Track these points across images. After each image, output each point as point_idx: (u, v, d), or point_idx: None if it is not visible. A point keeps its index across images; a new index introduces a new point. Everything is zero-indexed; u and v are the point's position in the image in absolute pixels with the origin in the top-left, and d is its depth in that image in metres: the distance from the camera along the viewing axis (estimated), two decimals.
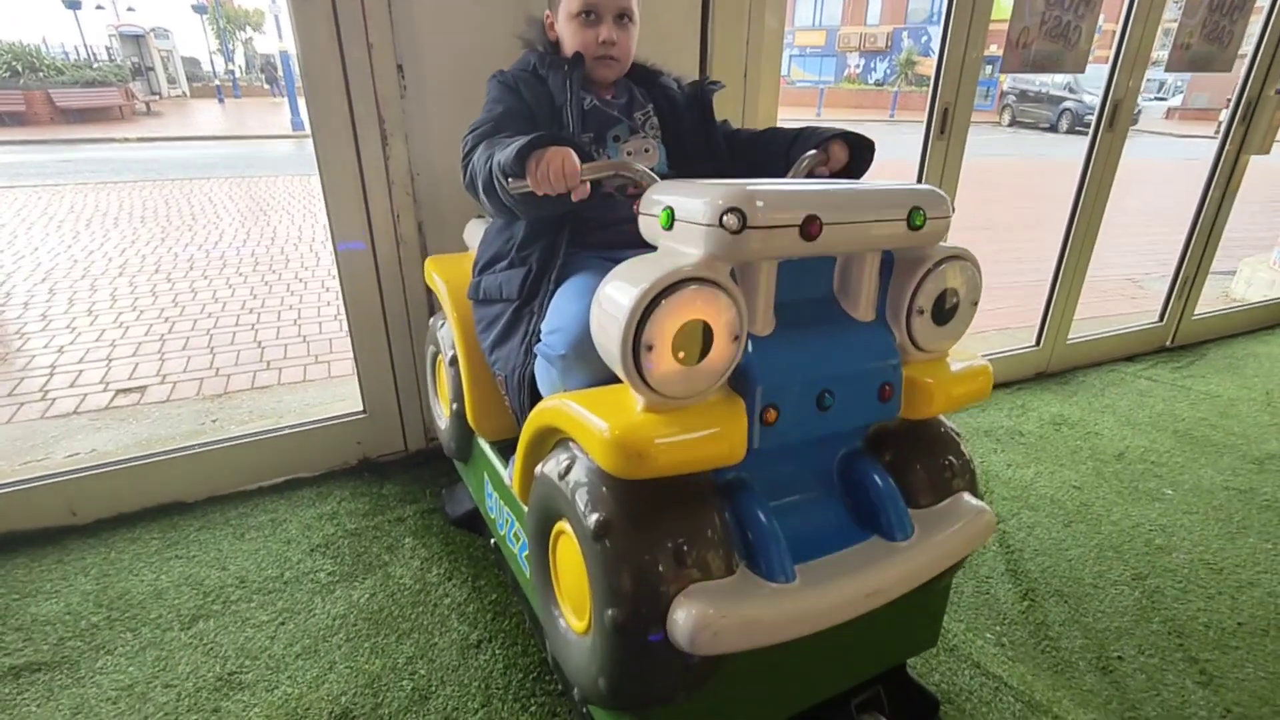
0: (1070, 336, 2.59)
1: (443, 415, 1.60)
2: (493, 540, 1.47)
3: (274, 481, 1.81)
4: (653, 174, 0.97)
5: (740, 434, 0.82)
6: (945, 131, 2.05)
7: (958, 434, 1.09)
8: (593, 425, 0.81)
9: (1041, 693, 1.26)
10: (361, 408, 1.87)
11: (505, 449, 1.36)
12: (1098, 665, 1.32)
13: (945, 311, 0.95)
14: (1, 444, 2.11)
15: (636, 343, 0.75)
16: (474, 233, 1.48)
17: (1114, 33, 2.19)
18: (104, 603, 1.40)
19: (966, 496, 1.02)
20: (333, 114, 1.58)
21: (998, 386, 2.46)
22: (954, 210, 0.91)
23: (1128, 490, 1.88)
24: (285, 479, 1.81)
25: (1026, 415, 2.27)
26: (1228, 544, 1.67)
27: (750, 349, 0.84)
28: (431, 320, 1.62)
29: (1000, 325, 3.26)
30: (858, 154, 1.15)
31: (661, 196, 0.85)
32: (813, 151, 1.13)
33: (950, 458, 1.03)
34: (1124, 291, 3.88)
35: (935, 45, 2.02)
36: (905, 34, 24.83)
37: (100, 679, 1.24)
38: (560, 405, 0.90)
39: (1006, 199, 6.94)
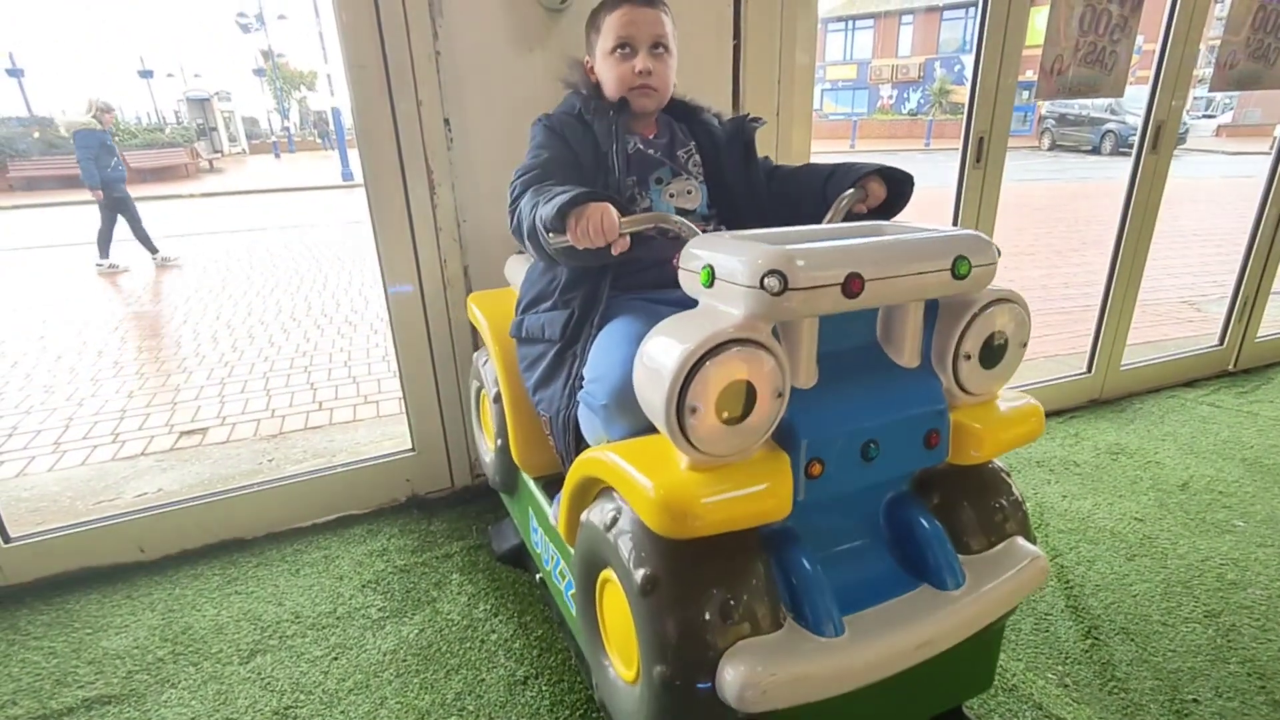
0: (1124, 362, 2.53)
1: (488, 449, 1.62)
2: (538, 575, 1.48)
3: (327, 519, 1.85)
4: (692, 226, 0.98)
5: (786, 489, 0.82)
6: (981, 160, 2.03)
7: (1007, 474, 1.07)
8: (639, 483, 0.82)
9: None
10: (410, 445, 1.90)
11: (549, 484, 1.38)
12: (1171, 708, 1.27)
13: (993, 354, 0.94)
14: (77, 484, 2.22)
15: (681, 405, 0.76)
16: (514, 268, 1.50)
17: (1154, 52, 2.13)
18: (169, 637, 1.46)
19: (1019, 541, 1.00)
20: (384, 165, 1.64)
21: (1049, 415, 2.40)
22: (1000, 254, 0.90)
23: (1194, 522, 1.82)
24: (337, 516, 1.86)
25: (1080, 444, 2.22)
26: None
27: (794, 403, 0.84)
28: (475, 355, 1.64)
29: (1050, 352, 3.18)
30: (896, 188, 1.14)
31: (702, 252, 0.86)
32: (850, 190, 1.12)
33: (1000, 500, 1.02)
34: (1180, 314, 3.75)
35: (968, 74, 1.99)
36: (938, 64, 24.68)
37: (165, 712, 1.29)
38: (605, 459, 0.90)
39: (1050, 223, 6.78)
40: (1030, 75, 2.04)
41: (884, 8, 26.09)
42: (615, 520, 0.91)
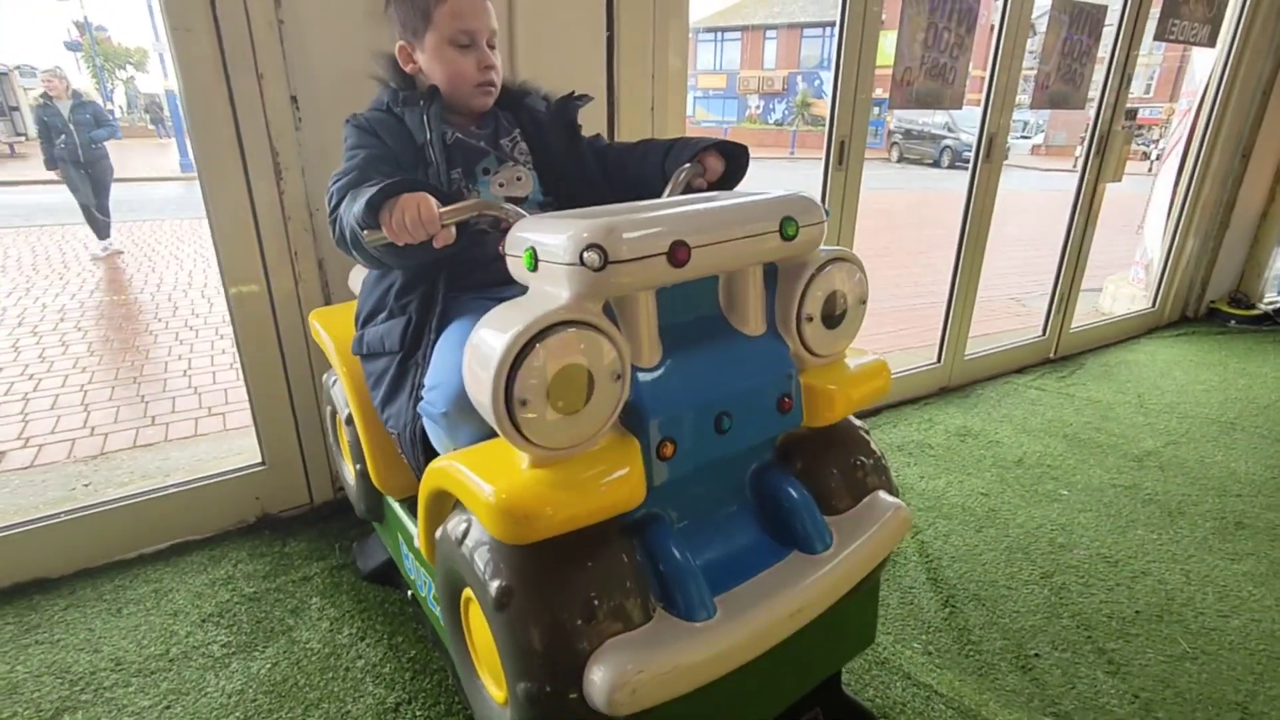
0: (967, 353, 2.72)
1: (349, 475, 1.52)
2: (409, 593, 1.41)
3: (157, 548, 1.68)
4: (519, 210, 0.92)
5: (637, 476, 0.79)
6: (843, 162, 2.14)
7: (866, 431, 1.08)
8: (477, 490, 0.76)
9: (969, 697, 1.29)
10: (260, 459, 1.77)
11: (414, 505, 1.29)
12: (1017, 664, 1.36)
13: (835, 315, 0.95)
14: None
15: (510, 398, 0.71)
16: (358, 279, 1.41)
17: (983, 78, 2.40)
18: None
19: (881, 495, 1.01)
20: (220, 147, 1.47)
21: (906, 403, 2.54)
22: (828, 214, 0.90)
23: (1029, 493, 1.95)
24: (170, 544, 1.69)
25: (933, 428, 2.34)
26: (1119, 537, 1.76)
27: (638, 383, 0.81)
28: (325, 377, 1.54)
29: (904, 345, 3.40)
30: (734, 161, 1.13)
31: (524, 234, 0.81)
32: (687, 165, 1.10)
33: (861, 457, 1.03)
34: (1009, 310, 4.11)
35: (828, 88, 2.12)
36: (800, 78, 26.11)
37: None
38: (447, 467, 0.85)
39: (900, 228, 7.25)
40: (881, 93, 2.20)
41: (750, 21, 27.16)
42: (466, 533, 0.85)
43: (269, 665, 1.34)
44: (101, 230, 5.55)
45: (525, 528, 0.72)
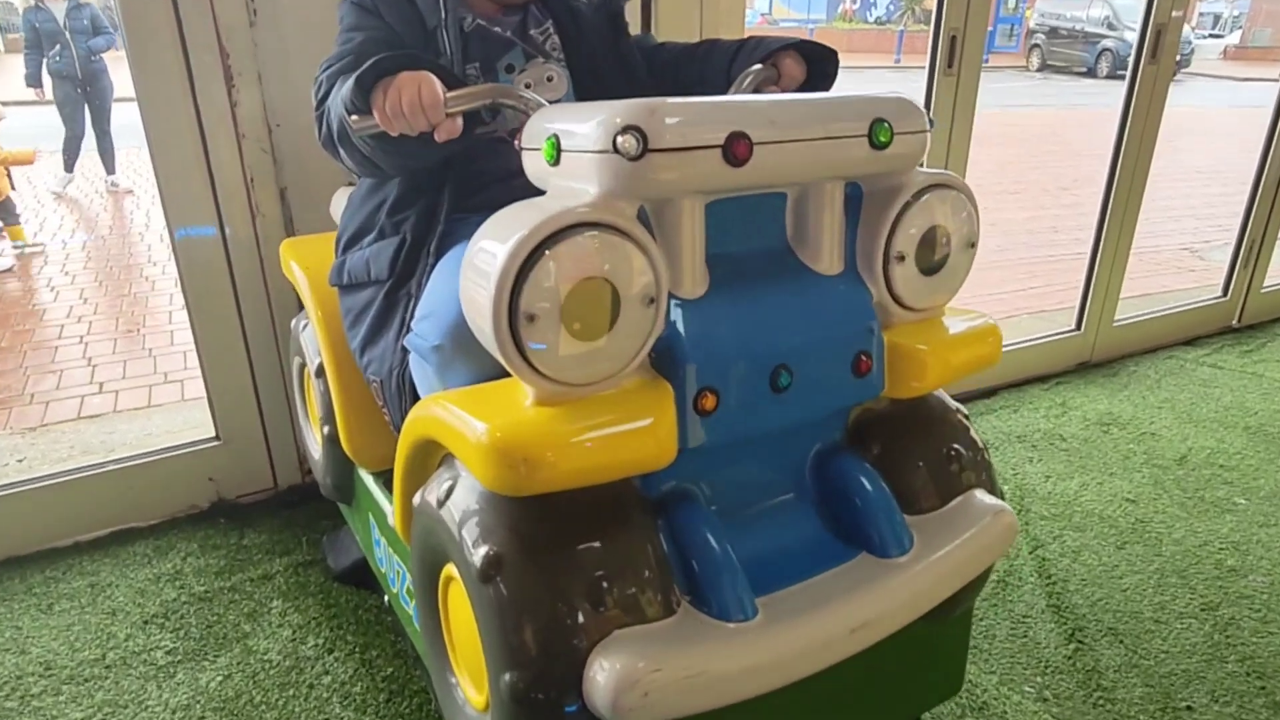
0: (1117, 318, 2.63)
1: (315, 443, 1.55)
2: (386, 598, 1.42)
3: (95, 535, 1.72)
4: (540, 99, 0.93)
5: (668, 428, 0.78)
6: (954, 64, 2.05)
7: (964, 414, 1.07)
8: (468, 430, 0.76)
9: None
10: (214, 434, 1.80)
11: (390, 481, 1.29)
12: (1163, 719, 1.31)
13: (933, 256, 0.93)
14: None
15: (514, 312, 0.71)
16: (342, 206, 1.44)
17: None
18: None
19: (979, 494, 1.00)
20: (158, 50, 1.50)
21: (1032, 381, 2.48)
22: (933, 123, 0.88)
23: (1192, 501, 1.89)
24: (111, 530, 1.73)
25: (1068, 415, 2.28)
26: None
27: (676, 316, 0.80)
28: (294, 321, 1.57)
29: (1034, 307, 3.29)
30: (817, 68, 1.12)
31: (546, 124, 0.81)
32: (758, 66, 1.09)
33: (956, 446, 1.01)
34: (1180, 263, 3.97)
35: None
36: None
37: None
38: (434, 411, 0.85)
39: (1037, 156, 7.06)
40: None
41: None
42: (450, 491, 0.86)
43: (220, 678, 1.36)
44: (109, 161, 5.65)
45: (523, 474, 0.71)
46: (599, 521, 0.81)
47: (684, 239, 0.80)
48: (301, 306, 1.71)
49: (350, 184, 1.55)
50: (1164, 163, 2.47)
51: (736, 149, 0.74)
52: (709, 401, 0.81)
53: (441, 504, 0.86)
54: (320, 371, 1.38)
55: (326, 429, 1.41)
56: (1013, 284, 3.66)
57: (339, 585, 1.58)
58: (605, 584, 0.78)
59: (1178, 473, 2.00)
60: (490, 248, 0.74)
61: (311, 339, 1.43)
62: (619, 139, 0.71)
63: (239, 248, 1.67)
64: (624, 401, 0.78)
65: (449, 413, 0.82)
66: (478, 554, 0.79)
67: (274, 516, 1.81)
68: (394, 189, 1.12)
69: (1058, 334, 2.59)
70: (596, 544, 0.80)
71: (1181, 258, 4.07)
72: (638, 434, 0.76)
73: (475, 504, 0.82)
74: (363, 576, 1.57)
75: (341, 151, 1.05)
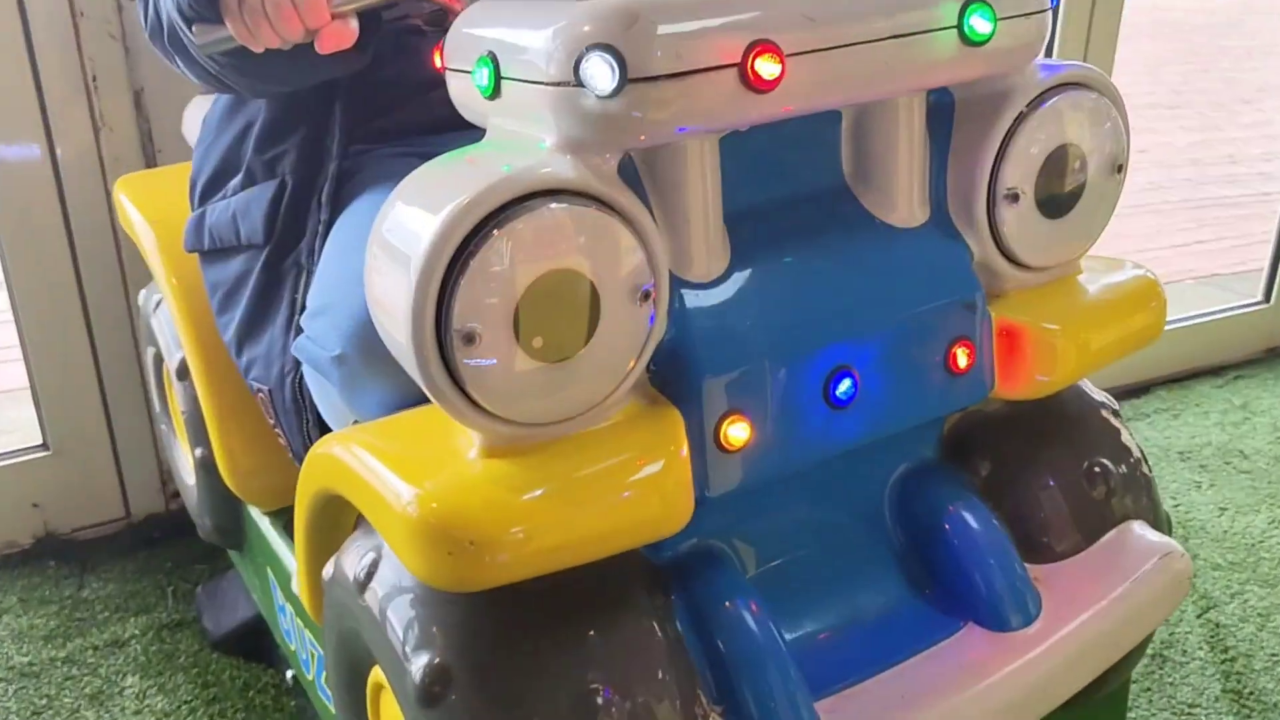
0: None
1: (186, 468, 1.57)
2: (290, 673, 1.45)
3: None
4: None
5: (679, 476, 0.78)
6: None
7: (1114, 410, 1.09)
8: (389, 495, 0.76)
9: None
10: (41, 442, 1.84)
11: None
12: None
13: (1063, 189, 0.93)
14: None
15: (443, 330, 0.70)
16: (198, 121, 1.43)
17: None
18: None
19: (1137, 529, 1.01)
20: None
21: (1199, 374, 2.48)
22: (1055, 1, 0.87)
23: None
24: None
25: (1251, 423, 2.29)
26: None
27: (684, 308, 0.80)
28: (143, 296, 1.58)
29: (1203, 270, 3.28)
30: None
31: (479, 30, 0.80)
32: None
33: (1103, 459, 1.03)
34: None
35: None
36: None
37: None
38: (339, 454, 0.86)
39: (1208, 57, 6.98)
40: None
41: None
42: (373, 569, 0.87)
43: None
44: None
45: (472, 564, 0.72)
46: (588, 609, 0.81)
47: (690, 197, 0.79)
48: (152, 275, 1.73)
49: (204, 91, 1.53)
50: None
51: (758, 66, 0.72)
52: (738, 432, 0.81)
53: (363, 586, 0.87)
54: (184, 371, 1.40)
55: (199, 452, 1.43)
56: (1171, 236, 3.66)
57: (220, 655, 1.60)
58: (602, 700, 0.78)
59: None
60: (408, 223, 0.73)
61: (169, 324, 1.44)
62: (583, 65, 0.69)
63: (76, 176, 1.69)
64: (612, 442, 0.78)
65: (359, 461, 0.82)
66: (417, 664, 0.79)
67: (126, 558, 1.82)
68: (260, 110, 1.13)
69: (1237, 309, 2.60)
70: (585, 642, 0.80)
71: None
72: (636, 489, 0.77)
73: (409, 590, 0.83)
74: (255, 644, 1.59)
75: (179, 61, 1.06)
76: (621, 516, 0.77)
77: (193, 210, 1.25)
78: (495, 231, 0.70)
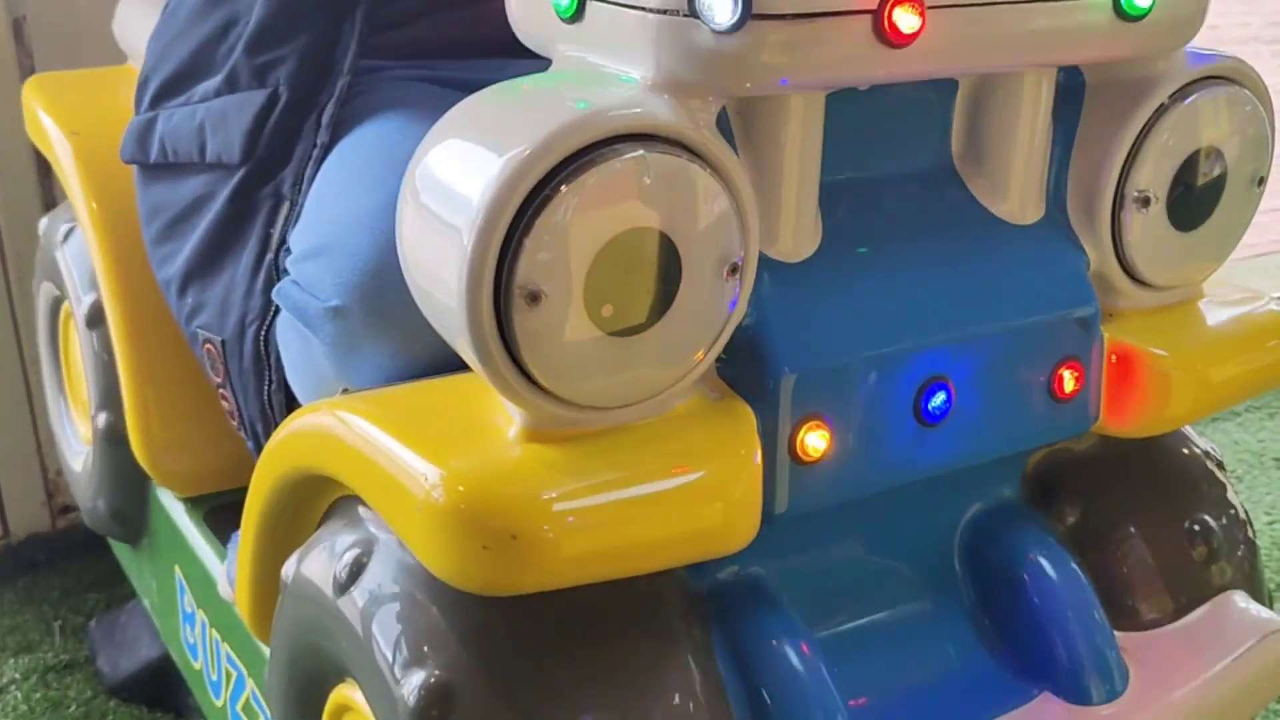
0: None
1: (78, 440, 1.56)
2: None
3: None
4: None
5: (748, 484, 0.80)
6: None
7: (1217, 463, 1.11)
8: (407, 474, 0.77)
9: None
10: None
11: (221, 516, 1.34)
12: None
13: (1197, 197, 0.96)
14: None
15: (501, 288, 0.72)
16: (138, 18, 1.45)
17: None
18: None
19: (1239, 600, 1.04)
20: None
21: None
22: None
23: None
24: None
25: None
26: None
27: (766, 291, 0.83)
28: (45, 223, 1.58)
29: None
30: None
31: None
32: None
33: (1205, 517, 1.06)
34: None
35: None
36: None
37: None
38: (333, 425, 0.87)
39: None
40: None
41: None
42: (359, 569, 0.88)
43: None
44: None
45: (511, 563, 0.73)
46: (619, 633, 0.84)
47: (788, 163, 0.81)
48: (59, 199, 1.72)
49: None
50: None
51: (898, 18, 0.75)
52: (817, 440, 0.83)
53: (343, 589, 0.88)
54: (96, 317, 1.40)
55: (103, 418, 1.43)
56: (1268, 200, 3.68)
57: (119, 703, 1.61)
58: None
59: None
60: (461, 168, 0.75)
61: (81, 258, 1.44)
62: None
63: None
64: (675, 437, 0.80)
65: (364, 438, 0.83)
66: (411, 682, 0.80)
67: (4, 587, 1.85)
68: (255, 2, 1.13)
69: None
70: (614, 671, 0.82)
71: None
72: (698, 494, 0.79)
73: (409, 596, 0.84)
74: (159, 688, 1.60)
75: None
76: (680, 524, 0.79)
77: (137, 112, 1.24)
78: (566, 186, 0.71)
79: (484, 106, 0.79)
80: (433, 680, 0.80)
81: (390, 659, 0.83)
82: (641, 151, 0.73)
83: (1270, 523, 2.05)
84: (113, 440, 1.41)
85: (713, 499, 0.79)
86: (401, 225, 0.80)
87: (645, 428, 0.80)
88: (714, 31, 0.72)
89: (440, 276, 0.74)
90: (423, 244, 0.77)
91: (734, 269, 0.77)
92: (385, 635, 0.85)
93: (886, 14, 0.75)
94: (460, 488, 0.74)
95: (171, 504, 1.39)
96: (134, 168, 1.26)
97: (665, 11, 0.73)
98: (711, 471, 0.79)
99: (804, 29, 0.73)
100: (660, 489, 0.78)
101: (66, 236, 1.50)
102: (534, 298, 0.72)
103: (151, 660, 1.58)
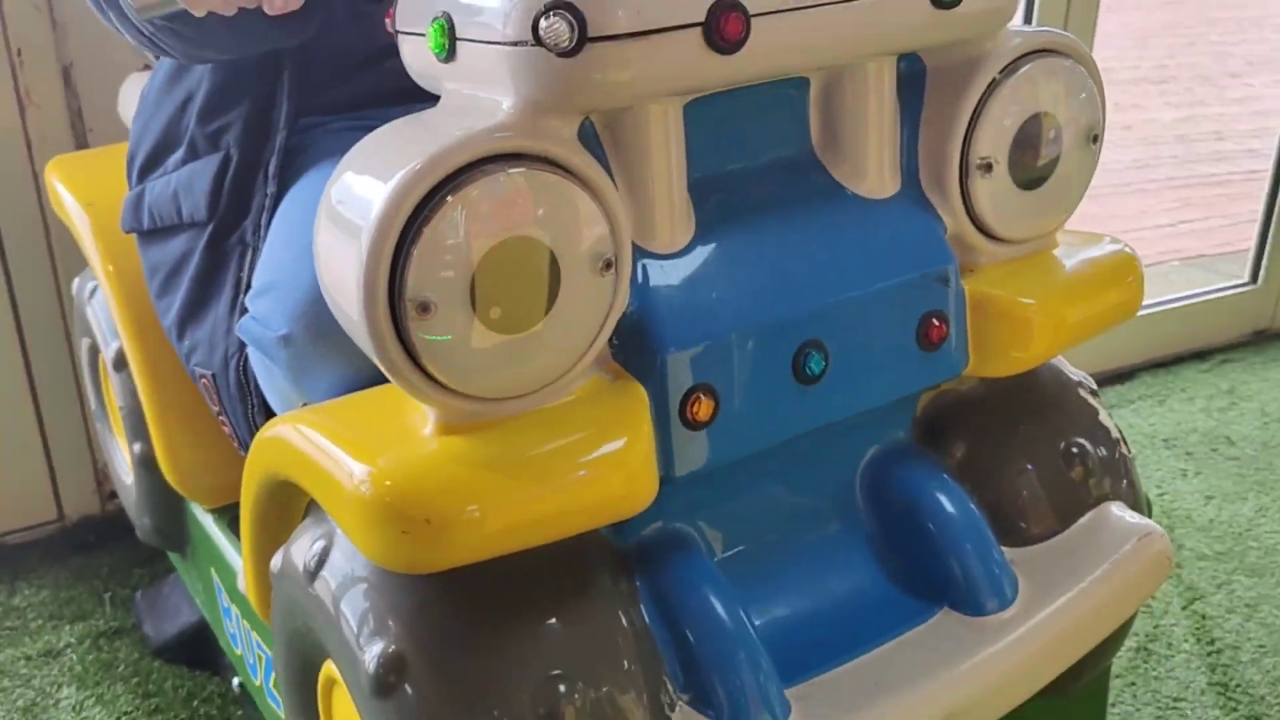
0: None
1: (125, 465, 1.57)
2: (236, 681, 1.45)
3: None
4: None
5: (643, 453, 0.79)
6: None
7: (1091, 389, 1.10)
8: (341, 473, 0.76)
9: None
10: None
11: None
12: None
13: (1037, 158, 0.94)
14: None
15: (396, 299, 0.70)
16: (135, 97, 1.43)
17: None
18: None
19: (1115, 510, 1.03)
20: None
21: (1185, 359, 2.52)
22: None
23: None
24: None
25: (1238, 408, 2.33)
26: None
27: (647, 280, 0.81)
28: (76, 284, 1.58)
29: (1190, 251, 3.33)
30: None
31: None
32: None
33: (1080, 438, 1.04)
34: None
35: None
36: None
37: None
38: (290, 435, 0.86)
39: (1196, 29, 7.05)
40: None
41: None
42: (324, 557, 0.87)
43: None
44: None
45: (428, 544, 0.72)
46: (549, 594, 0.82)
47: (655, 164, 0.80)
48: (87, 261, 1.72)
49: (146, 67, 1.53)
50: None
51: (725, 27, 0.73)
52: (704, 407, 0.81)
53: (313, 575, 0.87)
54: (121, 361, 1.40)
55: (138, 447, 1.43)
56: (1156, 217, 3.71)
57: (162, 664, 1.61)
58: (564, 688, 0.79)
59: None
60: (358, 191, 0.73)
61: (105, 312, 1.44)
62: (542, 24, 0.70)
63: (1, 158, 1.68)
64: (573, 418, 0.78)
65: (308, 442, 0.82)
66: (370, 653, 0.79)
67: (60, 564, 1.83)
68: (204, 79, 1.13)
69: (1223, 290, 2.65)
70: (546, 629, 0.81)
71: None
72: (599, 466, 0.77)
73: (362, 577, 0.83)
74: (198, 651, 1.60)
75: (112, 18, 1.06)
76: (584, 495, 0.77)
77: (130, 188, 1.25)
78: (449, 198, 0.70)
79: (384, 137, 0.79)
80: (388, 651, 0.79)
81: (355, 634, 0.83)
82: (512, 169, 0.72)
83: (1160, 495, 2.05)
84: (148, 465, 1.41)
85: (612, 470, 0.78)
86: (317, 249, 0.79)
87: (547, 412, 0.79)
88: (557, 55, 0.71)
89: (346, 290, 0.73)
90: (332, 261, 0.76)
91: (608, 264, 0.76)
92: (348, 614, 0.84)
93: (716, 24, 0.73)
94: (386, 482, 0.74)
95: (202, 515, 1.39)
96: (134, 235, 1.27)
97: (516, 43, 0.72)
98: (608, 446, 0.78)
99: (638, 46, 0.72)
100: (561, 465, 0.77)
101: (92, 294, 1.50)
102: (424, 308, 0.71)
103: (189, 626, 1.59)
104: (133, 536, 1.80)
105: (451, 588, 0.81)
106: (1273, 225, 2.59)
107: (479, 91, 0.77)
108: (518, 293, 0.73)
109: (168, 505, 1.45)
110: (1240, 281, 2.66)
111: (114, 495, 1.88)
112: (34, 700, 1.55)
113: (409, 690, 0.78)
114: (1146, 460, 2.14)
